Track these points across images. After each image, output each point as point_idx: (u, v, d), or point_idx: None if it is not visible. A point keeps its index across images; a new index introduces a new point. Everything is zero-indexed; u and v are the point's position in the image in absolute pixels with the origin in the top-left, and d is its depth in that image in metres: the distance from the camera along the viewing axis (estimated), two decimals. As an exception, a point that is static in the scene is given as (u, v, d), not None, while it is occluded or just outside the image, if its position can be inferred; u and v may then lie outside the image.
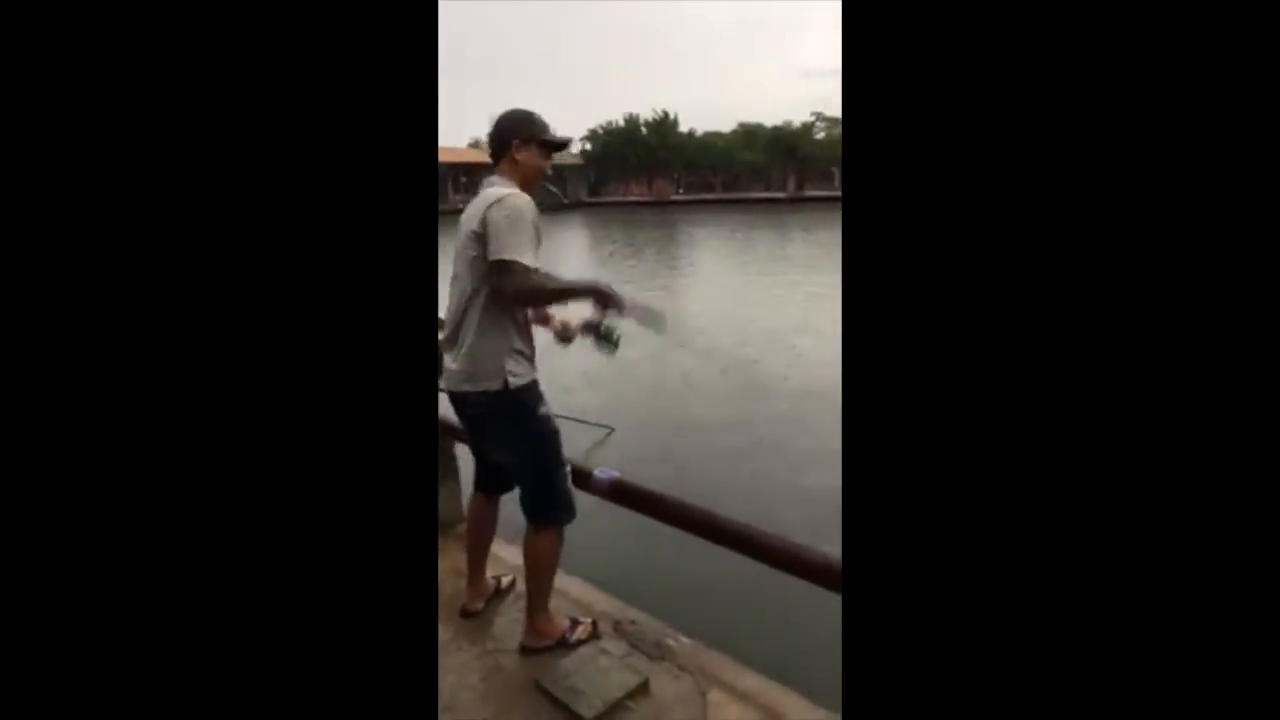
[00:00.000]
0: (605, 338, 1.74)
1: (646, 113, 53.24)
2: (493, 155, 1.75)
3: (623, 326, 1.75)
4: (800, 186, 48.82)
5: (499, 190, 1.64)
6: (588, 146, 53.04)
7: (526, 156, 1.72)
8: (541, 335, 1.82)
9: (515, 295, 1.59)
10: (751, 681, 1.72)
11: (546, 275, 1.60)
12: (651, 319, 1.79)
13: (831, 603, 1.62)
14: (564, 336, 1.85)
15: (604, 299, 1.71)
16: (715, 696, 1.67)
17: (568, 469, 1.81)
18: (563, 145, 1.82)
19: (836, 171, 49.86)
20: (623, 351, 1.77)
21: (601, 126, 53.37)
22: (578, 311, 1.76)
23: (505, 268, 1.55)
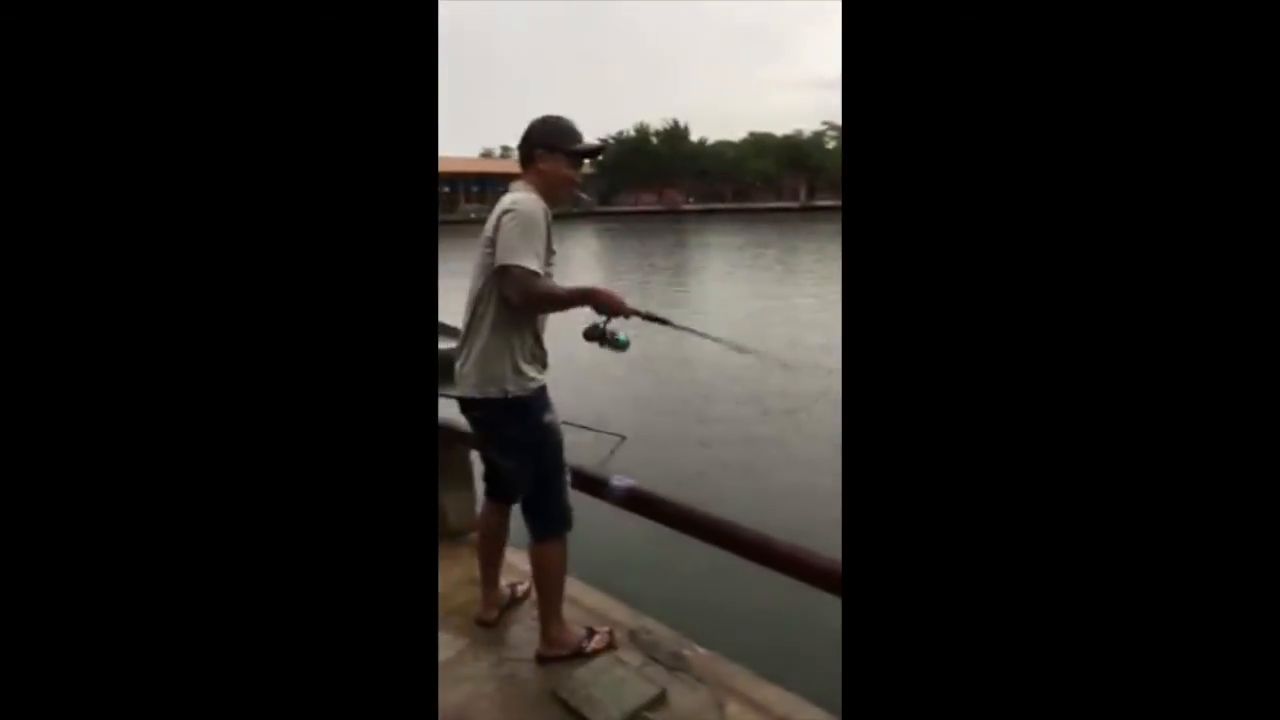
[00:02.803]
0: (608, 341, 1.76)
1: (656, 122, 53.52)
2: (521, 161, 1.76)
3: (628, 328, 1.77)
4: (811, 196, 48.79)
5: (514, 196, 1.65)
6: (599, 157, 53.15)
7: (551, 165, 1.71)
8: (561, 342, 1.83)
9: (515, 300, 1.58)
10: (768, 693, 1.70)
11: (548, 282, 1.59)
12: (657, 318, 1.81)
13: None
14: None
15: (601, 304, 1.68)
16: (733, 709, 1.65)
17: (568, 478, 1.80)
18: (592, 153, 1.81)
19: (847, 181, 49.79)
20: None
21: (612, 136, 53.64)
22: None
23: (506, 272, 1.55)
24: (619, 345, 1.76)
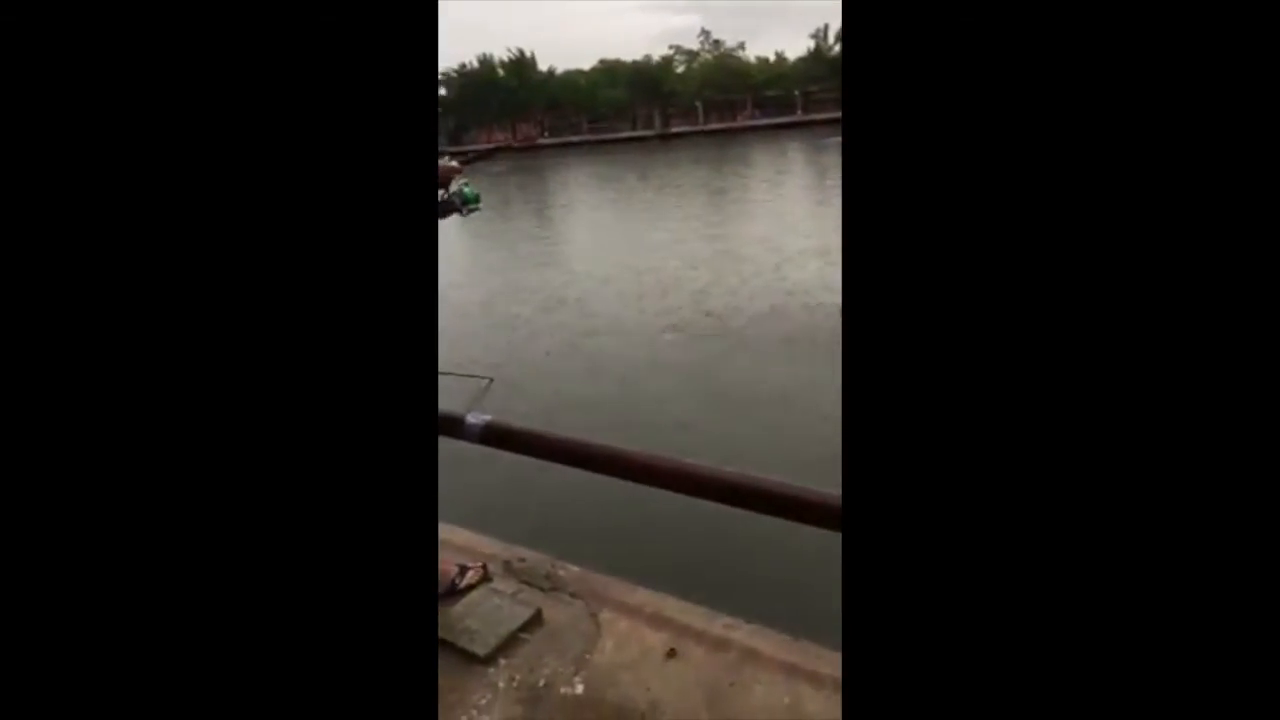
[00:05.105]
0: (461, 204, 1.75)
1: (501, 52, 51.06)
2: None
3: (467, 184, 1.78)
4: (667, 123, 48.77)
5: None
6: (443, 93, 50.22)
7: None
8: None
9: None
10: (641, 596, 1.80)
11: None
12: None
13: (703, 508, 1.71)
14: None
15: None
16: (606, 615, 1.74)
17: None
18: None
19: (700, 106, 50.19)
20: None
21: (456, 70, 50.63)
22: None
23: None
24: (473, 200, 1.75)
